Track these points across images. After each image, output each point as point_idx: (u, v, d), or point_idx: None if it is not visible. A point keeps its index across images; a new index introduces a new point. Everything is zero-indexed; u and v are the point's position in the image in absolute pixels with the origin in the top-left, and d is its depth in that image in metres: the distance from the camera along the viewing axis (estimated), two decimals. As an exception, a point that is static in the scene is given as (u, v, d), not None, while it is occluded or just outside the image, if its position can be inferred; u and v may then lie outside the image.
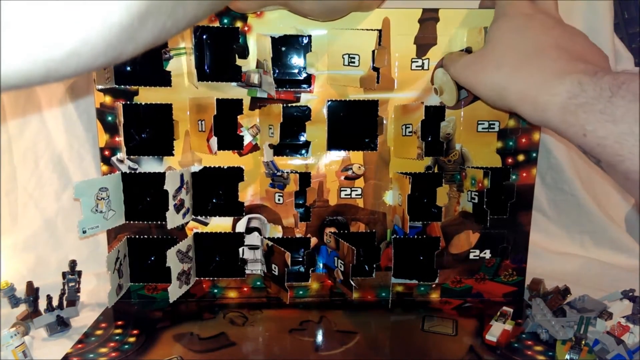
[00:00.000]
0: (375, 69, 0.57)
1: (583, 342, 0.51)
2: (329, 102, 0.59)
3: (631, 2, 0.79)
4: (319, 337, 0.56)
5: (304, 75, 0.59)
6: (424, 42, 0.58)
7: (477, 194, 0.60)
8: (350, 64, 0.58)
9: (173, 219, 0.55)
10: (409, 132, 0.57)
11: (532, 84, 0.43)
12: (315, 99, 0.59)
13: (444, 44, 0.58)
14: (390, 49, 0.58)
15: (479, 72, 0.49)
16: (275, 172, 0.60)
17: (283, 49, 0.58)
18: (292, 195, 0.59)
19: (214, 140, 0.55)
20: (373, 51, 0.57)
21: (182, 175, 0.56)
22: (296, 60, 0.58)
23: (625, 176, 0.37)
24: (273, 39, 0.56)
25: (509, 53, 0.46)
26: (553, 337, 0.54)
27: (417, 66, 0.59)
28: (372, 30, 0.57)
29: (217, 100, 0.55)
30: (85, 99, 0.73)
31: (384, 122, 0.60)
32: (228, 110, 0.58)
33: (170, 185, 0.53)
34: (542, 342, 0.54)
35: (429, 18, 0.57)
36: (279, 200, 0.61)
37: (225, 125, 0.58)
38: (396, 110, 0.60)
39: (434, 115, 0.59)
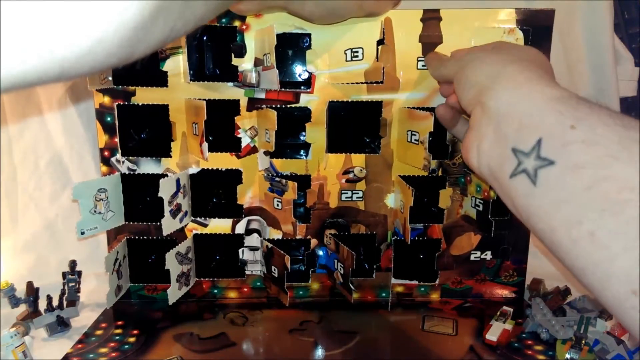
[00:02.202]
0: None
1: (583, 341, 0.51)
2: (331, 103, 0.58)
3: (631, 2, 0.79)
4: (320, 341, 0.56)
5: (304, 76, 0.58)
6: (430, 41, 0.57)
7: (481, 201, 0.59)
8: (354, 59, 0.57)
9: (169, 225, 0.55)
10: (415, 140, 0.56)
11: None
12: (315, 100, 0.59)
13: (450, 42, 0.57)
14: (394, 46, 0.57)
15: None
16: (274, 174, 0.60)
17: (286, 52, 0.57)
18: (291, 203, 0.58)
19: (205, 146, 0.54)
20: (378, 41, 0.56)
21: (178, 180, 0.56)
22: (296, 61, 0.58)
23: None
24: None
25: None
26: (553, 336, 0.54)
27: (423, 65, 0.57)
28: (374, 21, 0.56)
29: (208, 103, 0.53)
30: (85, 99, 0.73)
31: (387, 123, 0.59)
32: (225, 112, 0.58)
33: (164, 192, 0.53)
34: (543, 342, 0.54)
35: (431, 18, 0.57)
36: (277, 205, 0.61)
37: (222, 127, 0.58)
38: (401, 113, 0.59)
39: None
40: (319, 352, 0.53)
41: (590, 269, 0.30)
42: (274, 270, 0.60)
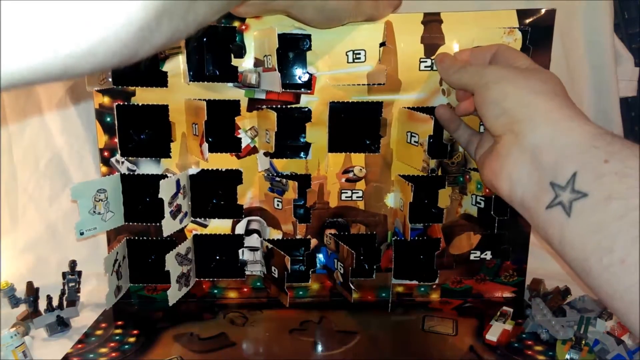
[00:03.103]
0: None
1: (583, 341, 0.51)
2: (332, 104, 0.58)
3: (631, 2, 0.79)
4: (319, 338, 0.56)
5: (305, 78, 0.58)
6: (432, 42, 0.57)
7: (483, 198, 0.59)
8: (356, 60, 0.56)
9: (169, 226, 0.55)
10: (415, 141, 0.56)
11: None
12: (315, 100, 0.59)
13: (453, 44, 0.56)
14: (395, 48, 0.57)
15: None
16: (274, 174, 0.60)
17: (286, 54, 0.57)
18: (291, 203, 0.58)
19: (205, 147, 0.54)
20: (380, 44, 0.55)
21: (178, 181, 0.56)
22: (296, 63, 0.58)
23: None
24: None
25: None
26: (553, 336, 0.54)
27: (425, 66, 0.57)
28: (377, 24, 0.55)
29: (208, 103, 0.53)
30: (85, 99, 0.73)
31: (387, 122, 0.59)
32: (225, 112, 0.58)
33: (165, 193, 0.53)
34: (543, 342, 0.54)
35: (431, 20, 0.57)
36: (277, 205, 0.61)
37: (222, 127, 0.58)
38: (401, 113, 0.59)
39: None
40: (319, 352, 0.53)
41: (619, 294, 0.31)
42: (274, 270, 0.60)
